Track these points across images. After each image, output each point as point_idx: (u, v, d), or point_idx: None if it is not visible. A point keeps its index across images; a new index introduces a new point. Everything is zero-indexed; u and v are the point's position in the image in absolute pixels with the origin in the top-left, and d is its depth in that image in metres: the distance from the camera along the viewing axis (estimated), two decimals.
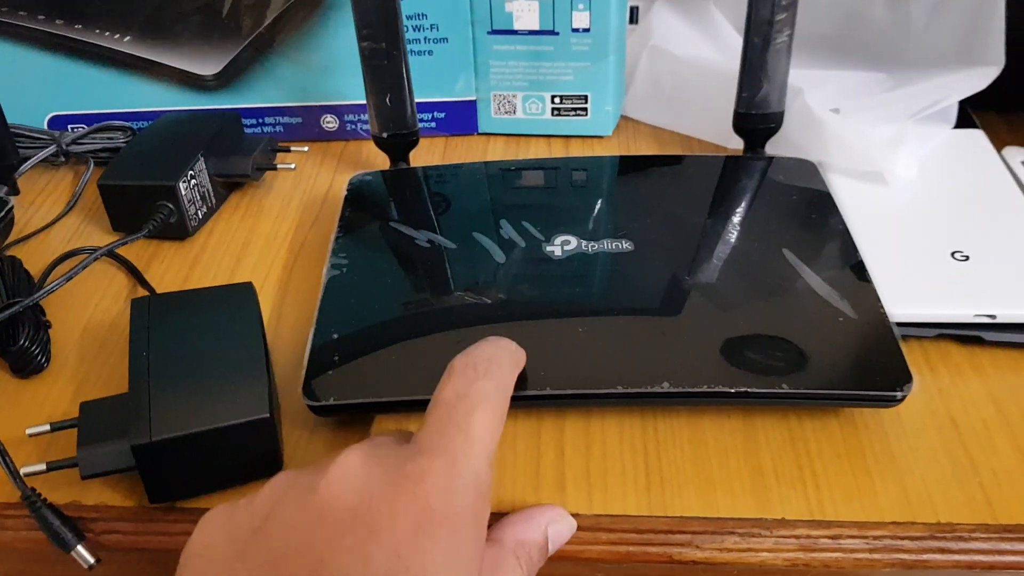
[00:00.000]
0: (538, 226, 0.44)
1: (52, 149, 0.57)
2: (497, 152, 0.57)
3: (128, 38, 0.56)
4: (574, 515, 0.35)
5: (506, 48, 0.54)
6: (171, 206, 0.48)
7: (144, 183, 0.48)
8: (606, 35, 0.52)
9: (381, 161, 0.56)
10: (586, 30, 0.52)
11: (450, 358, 0.32)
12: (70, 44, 0.56)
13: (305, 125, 0.58)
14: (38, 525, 0.36)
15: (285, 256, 0.49)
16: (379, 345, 0.39)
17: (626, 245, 0.42)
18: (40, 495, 0.36)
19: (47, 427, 0.38)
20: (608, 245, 0.42)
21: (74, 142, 0.57)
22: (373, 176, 0.49)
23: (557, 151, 0.56)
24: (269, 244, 0.50)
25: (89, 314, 0.46)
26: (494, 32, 0.53)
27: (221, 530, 0.29)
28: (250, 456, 0.37)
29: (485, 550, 0.29)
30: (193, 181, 0.49)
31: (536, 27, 0.53)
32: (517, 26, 0.53)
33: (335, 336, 0.39)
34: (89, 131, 0.57)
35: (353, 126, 0.58)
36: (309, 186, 0.55)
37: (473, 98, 0.56)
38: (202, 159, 0.50)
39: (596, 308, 0.40)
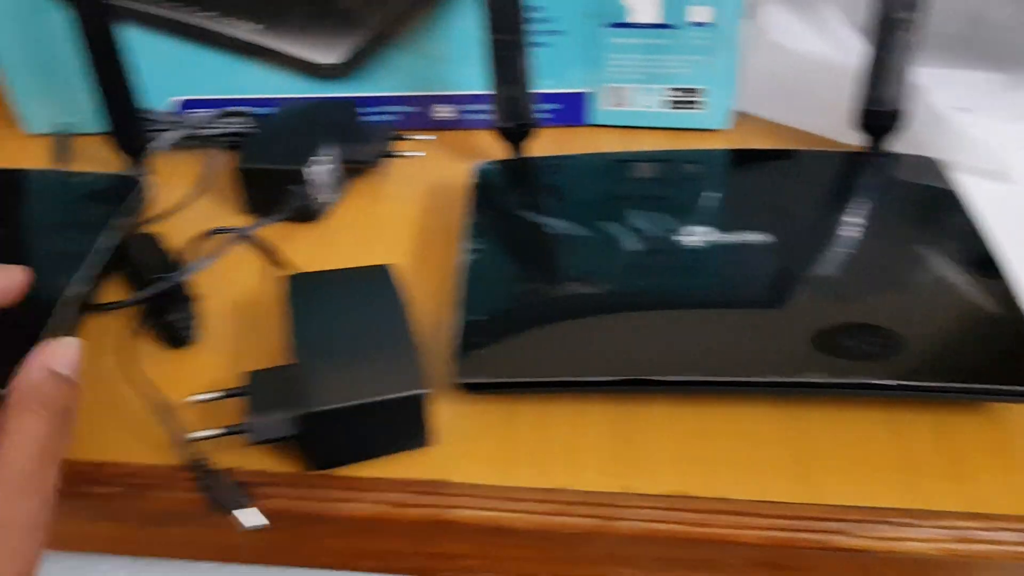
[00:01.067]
0: (667, 216, 0.45)
1: (181, 132, 0.59)
2: (609, 143, 0.58)
3: (254, 26, 0.57)
4: (723, 499, 0.36)
5: (622, 41, 0.55)
6: (304, 190, 0.50)
7: (278, 167, 0.50)
8: (724, 29, 0.54)
9: (494, 150, 0.57)
10: (705, 24, 0.53)
11: (595, 342, 0.34)
12: (197, 31, 0.58)
13: (419, 114, 0.59)
14: (205, 488, 0.38)
15: (409, 241, 0.51)
16: (525, 327, 0.41)
17: (759, 237, 0.44)
18: (207, 460, 0.38)
19: (213, 394, 0.40)
20: (741, 237, 0.44)
21: (199, 126, 0.59)
22: (498, 164, 0.51)
23: (669, 144, 0.57)
24: (393, 229, 0.52)
25: (228, 290, 0.48)
26: (611, 25, 0.55)
27: None
28: (402, 429, 0.39)
29: None
30: (323, 166, 0.51)
31: (654, 20, 0.54)
32: (634, 19, 0.54)
33: (479, 317, 0.41)
34: (214, 115, 0.59)
35: (468, 115, 0.59)
36: (426, 174, 0.57)
37: (586, 90, 0.58)
38: (331, 145, 0.52)
39: (735, 298, 0.41)
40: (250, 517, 0.38)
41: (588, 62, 0.57)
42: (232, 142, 0.59)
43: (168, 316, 0.44)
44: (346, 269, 0.43)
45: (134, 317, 0.47)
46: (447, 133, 0.60)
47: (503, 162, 0.51)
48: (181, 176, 0.58)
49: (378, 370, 0.38)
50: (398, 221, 0.53)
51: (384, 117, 0.60)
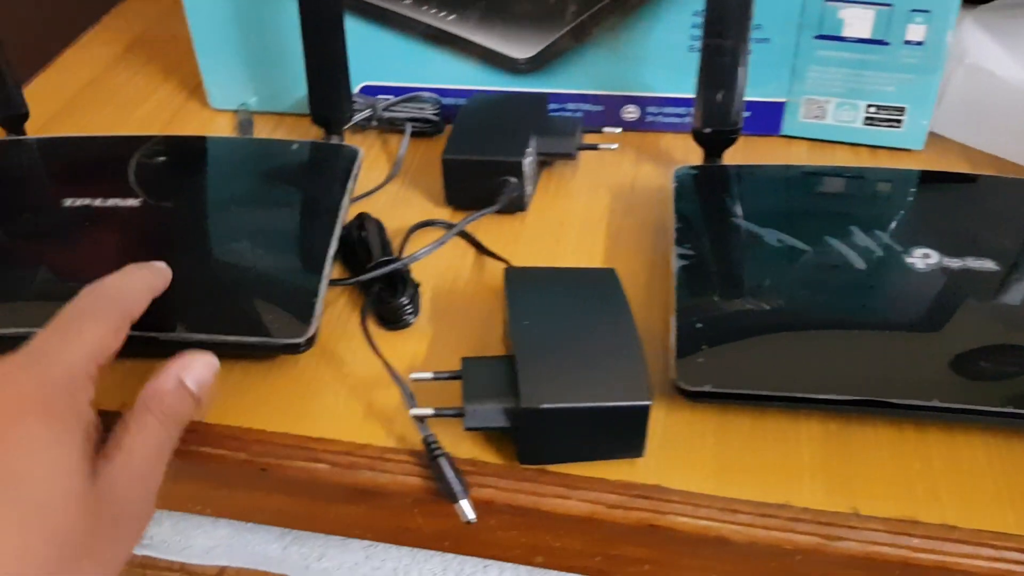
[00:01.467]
0: (890, 236, 0.44)
1: (368, 112, 0.59)
2: (800, 156, 0.57)
3: (451, 16, 0.58)
4: (950, 527, 0.35)
5: (829, 54, 0.54)
6: (515, 181, 0.50)
7: (490, 158, 0.50)
8: (937, 49, 0.52)
9: (681, 154, 0.57)
10: (919, 43, 0.52)
11: (824, 358, 0.33)
12: (387, 15, 0.58)
13: (605, 113, 0.59)
14: (431, 472, 0.39)
15: (603, 240, 0.51)
16: (745, 337, 0.40)
17: (984, 264, 0.42)
18: (439, 443, 0.39)
19: (430, 375, 0.40)
20: (965, 262, 0.42)
21: (387, 109, 0.59)
22: (700, 170, 0.50)
23: (862, 160, 0.56)
24: (585, 227, 0.52)
25: (434, 276, 0.49)
26: (820, 37, 0.54)
27: None
28: (621, 436, 0.38)
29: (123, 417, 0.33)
30: (529, 158, 0.51)
31: (866, 35, 0.53)
32: (846, 33, 0.53)
33: (697, 324, 0.41)
34: (400, 100, 0.60)
35: (654, 117, 0.59)
36: (612, 173, 0.56)
37: (783, 100, 0.57)
38: (533, 137, 0.52)
39: (962, 325, 0.40)
40: (468, 509, 0.38)
41: (789, 72, 0.56)
42: (416, 128, 0.59)
43: (395, 299, 0.44)
44: (569, 268, 0.43)
45: (358, 293, 0.47)
46: (629, 134, 0.59)
47: (706, 168, 0.50)
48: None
49: (604, 375, 0.37)
50: (589, 218, 0.52)
51: (570, 115, 0.59)
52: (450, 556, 0.56)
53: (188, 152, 0.53)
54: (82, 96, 0.65)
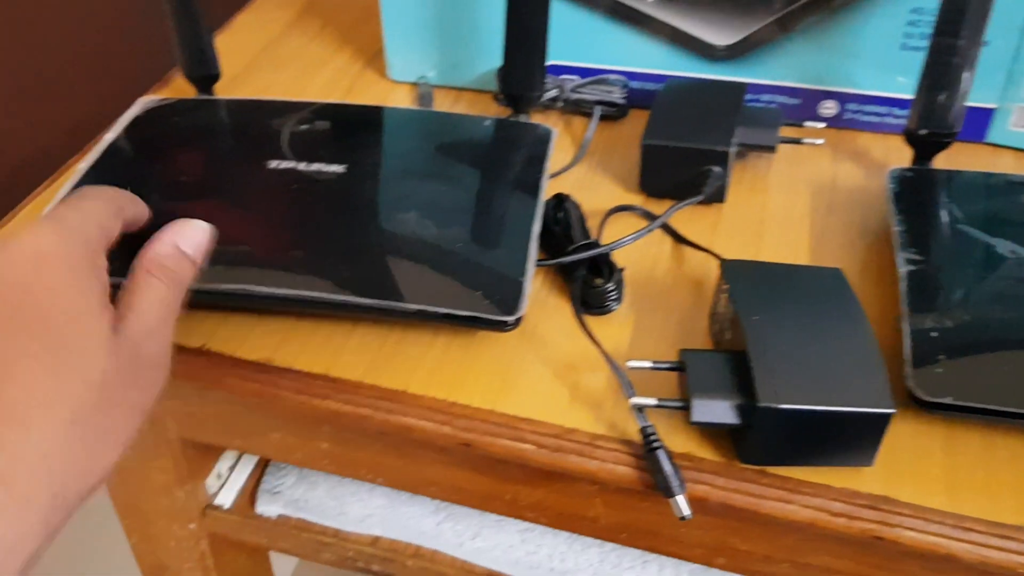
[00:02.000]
0: None
1: (554, 93, 0.58)
2: (1007, 165, 0.54)
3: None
4: None
5: None
6: (719, 171, 0.48)
7: (696, 146, 0.49)
8: None
9: (880, 154, 0.55)
10: None
11: None
12: None
13: (802, 107, 0.57)
14: (646, 464, 0.38)
15: (807, 238, 0.49)
16: (989, 351, 0.38)
17: None
18: (658, 435, 0.37)
19: (648, 363, 0.39)
20: None
21: (574, 90, 0.58)
22: (917, 173, 0.48)
23: None
24: (787, 223, 0.50)
25: (633, 263, 0.48)
26: None
27: None
28: (853, 443, 0.37)
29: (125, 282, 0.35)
30: (733, 148, 0.49)
31: None
32: None
33: (933, 334, 0.39)
34: (588, 81, 0.59)
35: (852, 115, 0.57)
36: (810, 170, 0.54)
37: (993, 106, 0.54)
38: (737, 127, 0.50)
39: None
40: (684, 505, 0.37)
41: (1004, 78, 0.53)
42: (602, 111, 0.58)
43: (600, 283, 0.43)
44: (792, 265, 0.41)
45: (551, 272, 0.46)
46: (826, 131, 0.57)
47: (925, 171, 0.48)
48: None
49: (843, 378, 0.36)
50: (789, 214, 0.51)
51: (763, 106, 0.58)
52: (608, 547, 0.56)
53: (389, 122, 0.53)
54: (259, 60, 0.65)
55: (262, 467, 0.60)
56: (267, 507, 0.58)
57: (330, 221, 0.45)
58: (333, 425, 0.46)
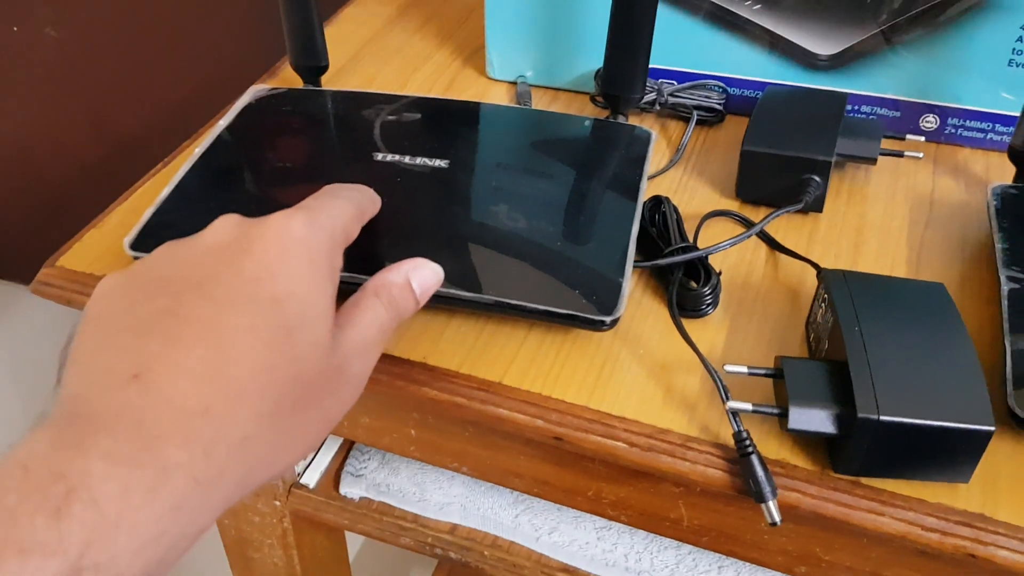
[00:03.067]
0: None
1: (652, 96, 0.59)
2: None
3: (757, 6, 0.56)
4: None
5: None
6: (819, 181, 0.48)
7: (797, 155, 0.49)
8: None
9: (981, 170, 0.54)
10: None
11: None
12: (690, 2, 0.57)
13: (902, 120, 0.57)
14: (739, 468, 0.38)
15: (905, 251, 0.49)
16: None
17: None
18: (752, 440, 0.38)
19: (744, 369, 0.39)
20: None
21: (672, 94, 0.59)
22: (1022, 190, 0.48)
23: None
24: (884, 236, 0.50)
25: (728, 268, 0.48)
26: None
27: (122, 275, 0.33)
28: (953, 459, 0.36)
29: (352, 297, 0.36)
30: (834, 159, 0.49)
31: None
32: None
33: None
34: (687, 86, 0.59)
35: (954, 130, 0.56)
36: (909, 183, 0.54)
37: None
38: (839, 138, 0.50)
39: None
40: (775, 511, 0.37)
41: None
42: (699, 116, 0.59)
43: (698, 287, 0.44)
44: (893, 277, 0.41)
45: (649, 275, 0.47)
46: (926, 146, 0.57)
47: None
48: None
49: (944, 393, 0.36)
50: (888, 226, 0.50)
51: (863, 116, 0.57)
52: (685, 550, 0.56)
53: (491, 118, 0.54)
54: (363, 53, 0.67)
55: (346, 450, 0.62)
56: (350, 489, 0.59)
57: (432, 215, 0.46)
58: (423, 412, 0.47)
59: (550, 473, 0.47)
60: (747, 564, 0.53)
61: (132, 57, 0.75)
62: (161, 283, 0.32)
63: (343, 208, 0.37)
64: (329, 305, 0.33)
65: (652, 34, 0.51)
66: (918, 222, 0.51)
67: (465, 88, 0.63)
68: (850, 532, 0.38)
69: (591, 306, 0.41)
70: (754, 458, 0.37)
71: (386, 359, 0.43)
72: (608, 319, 0.41)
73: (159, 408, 0.27)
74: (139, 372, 0.28)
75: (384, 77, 0.64)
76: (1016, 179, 0.50)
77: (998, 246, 0.44)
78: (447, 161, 0.48)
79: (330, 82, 0.62)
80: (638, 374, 0.43)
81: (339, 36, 0.68)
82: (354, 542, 1.18)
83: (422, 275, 0.38)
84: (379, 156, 0.49)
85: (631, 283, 0.44)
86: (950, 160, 0.56)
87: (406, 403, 0.45)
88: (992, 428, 0.35)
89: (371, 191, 0.41)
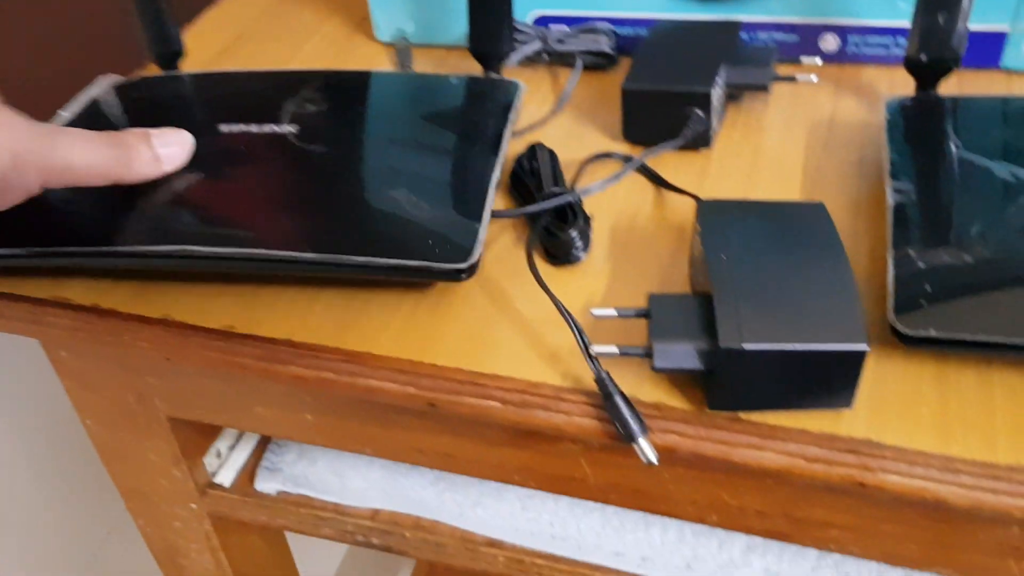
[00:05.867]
0: None
1: (537, 46, 0.56)
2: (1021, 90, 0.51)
3: None
4: None
5: None
6: (702, 114, 0.46)
7: (674, 89, 0.46)
8: None
9: (885, 88, 0.52)
10: None
11: None
12: None
13: (802, 44, 0.54)
14: (606, 411, 0.35)
15: (800, 179, 0.46)
16: (978, 281, 0.35)
17: None
18: (613, 380, 0.35)
19: (613, 311, 0.37)
20: None
21: (558, 41, 0.56)
22: (916, 101, 0.45)
23: None
24: (779, 165, 0.47)
25: (614, 213, 0.45)
26: None
27: None
28: (828, 384, 0.34)
29: None
30: (717, 90, 0.47)
31: None
32: None
33: (920, 264, 0.36)
34: (574, 31, 0.56)
35: (855, 48, 0.53)
36: (808, 108, 0.51)
37: (1005, 30, 0.50)
38: (723, 67, 0.47)
39: None
40: (648, 449, 0.35)
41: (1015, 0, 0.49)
42: (589, 61, 0.56)
43: (565, 232, 0.41)
44: (771, 201, 0.39)
45: (525, 226, 0.44)
46: (827, 67, 0.54)
47: (923, 98, 0.45)
48: (534, 92, 0.56)
49: (814, 316, 0.33)
50: (783, 155, 0.48)
51: (761, 44, 0.55)
52: (610, 512, 0.54)
53: (347, 84, 0.51)
54: (251, 30, 0.64)
55: (263, 446, 0.60)
56: (266, 484, 0.57)
57: (280, 181, 0.43)
58: (309, 394, 0.45)
59: (450, 445, 0.45)
60: (674, 520, 0.51)
61: None
62: None
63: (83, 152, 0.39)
64: None
65: None
66: (815, 148, 0.48)
67: (352, 56, 0.61)
68: (751, 474, 0.36)
69: (444, 255, 0.39)
70: (617, 398, 0.35)
71: (248, 340, 0.41)
72: (464, 266, 0.38)
73: None
74: None
75: (270, 53, 0.62)
76: (917, 91, 0.47)
77: (887, 159, 0.41)
78: (296, 127, 0.46)
79: (214, 63, 0.60)
80: (512, 331, 0.40)
81: (226, 17, 0.66)
82: (338, 549, 1.15)
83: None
84: (224, 128, 0.46)
85: (502, 238, 0.41)
86: (853, 80, 0.53)
87: (292, 388, 0.43)
88: (864, 347, 0.32)
89: (142, 157, 0.42)
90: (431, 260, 0.38)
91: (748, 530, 0.42)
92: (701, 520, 0.43)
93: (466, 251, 0.38)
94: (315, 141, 0.46)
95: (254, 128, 0.46)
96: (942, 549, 0.38)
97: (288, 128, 0.46)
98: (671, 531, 0.52)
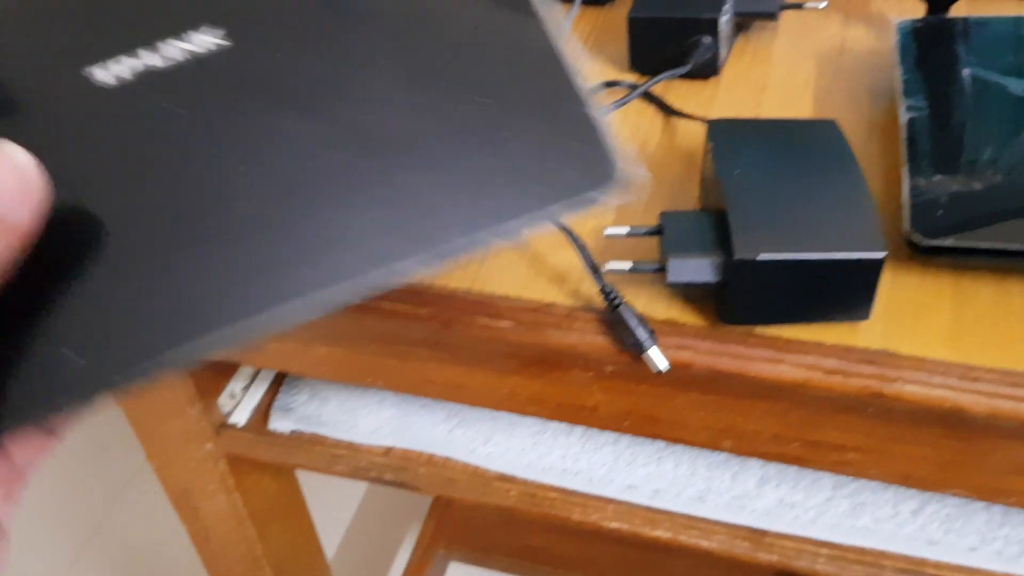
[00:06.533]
0: None
1: None
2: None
3: None
4: None
5: None
6: (709, 41, 0.45)
7: (683, 16, 0.46)
8: None
9: (895, 15, 0.51)
10: None
11: None
12: None
13: None
14: (615, 328, 0.35)
15: (811, 104, 0.46)
16: (994, 191, 0.35)
17: None
18: (619, 293, 0.35)
19: (624, 229, 0.37)
20: None
21: None
22: (927, 22, 0.45)
23: None
24: (788, 92, 0.47)
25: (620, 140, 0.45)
26: None
27: None
28: (845, 294, 0.34)
29: None
30: (725, 17, 0.46)
31: None
32: None
33: (935, 177, 0.36)
34: None
35: None
36: (817, 36, 0.51)
37: None
38: None
39: None
40: (659, 357, 0.35)
41: None
42: None
43: None
44: (782, 119, 0.39)
45: None
46: None
47: (934, 20, 0.44)
48: None
49: (829, 225, 0.33)
50: (792, 83, 0.48)
51: None
52: (622, 446, 0.54)
53: None
54: None
55: (276, 386, 0.60)
56: (280, 423, 0.57)
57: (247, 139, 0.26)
58: (321, 323, 0.45)
59: (461, 375, 0.45)
60: (687, 451, 0.51)
61: None
62: None
63: None
64: None
65: None
66: (825, 75, 0.48)
67: None
68: (766, 393, 0.36)
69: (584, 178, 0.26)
70: (622, 309, 0.35)
71: None
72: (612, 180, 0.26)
73: None
74: None
75: None
76: (929, 14, 0.47)
77: (899, 78, 0.41)
78: (223, 31, 0.26)
79: None
80: (523, 255, 0.40)
81: None
82: (346, 512, 1.16)
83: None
84: (99, 73, 0.26)
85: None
86: (862, 8, 0.53)
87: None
88: (883, 253, 0.32)
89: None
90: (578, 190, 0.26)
91: (763, 455, 0.42)
92: (715, 446, 0.43)
93: (608, 166, 0.27)
94: (270, 57, 0.26)
95: (158, 57, 0.26)
96: (958, 469, 0.38)
97: (216, 40, 0.26)
98: (683, 464, 0.52)
